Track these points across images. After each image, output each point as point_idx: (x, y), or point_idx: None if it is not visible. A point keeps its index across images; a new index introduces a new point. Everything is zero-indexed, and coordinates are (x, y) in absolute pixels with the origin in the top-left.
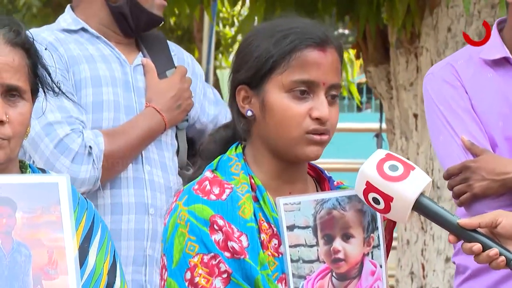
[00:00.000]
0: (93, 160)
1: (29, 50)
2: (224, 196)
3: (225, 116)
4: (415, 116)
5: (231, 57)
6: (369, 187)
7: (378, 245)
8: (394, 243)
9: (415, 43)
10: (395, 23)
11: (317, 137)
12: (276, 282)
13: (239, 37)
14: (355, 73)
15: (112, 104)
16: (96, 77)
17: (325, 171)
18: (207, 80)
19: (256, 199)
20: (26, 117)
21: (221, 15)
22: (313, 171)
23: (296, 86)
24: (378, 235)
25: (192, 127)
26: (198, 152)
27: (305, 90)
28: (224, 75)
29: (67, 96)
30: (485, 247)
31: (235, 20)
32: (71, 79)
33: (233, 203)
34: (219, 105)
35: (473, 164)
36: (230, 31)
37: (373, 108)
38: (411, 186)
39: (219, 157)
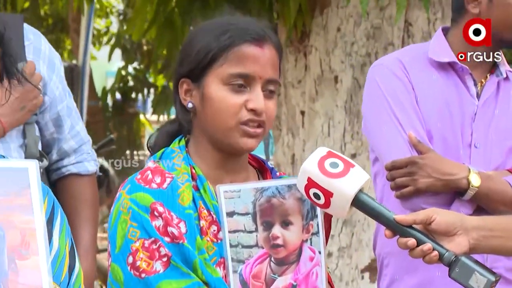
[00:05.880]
0: None
1: (3, 38)
2: (165, 185)
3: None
4: (302, 113)
5: (102, 49)
6: (310, 183)
7: (317, 232)
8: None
9: (304, 42)
10: (286, 22)
11: (251, 130)
12: (215, 266)
13: (112, 29)
14: None
15: None
16: None
17: (268, 162)
18: (83, 71)
19: (196, 188)
20: None
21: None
22: (255, 162)
23: (233, 79)
24: (318, 222)
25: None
26: (147, 146)
27: (242, 83)
28: (94, 66)
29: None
30: (419, 242)
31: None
32: None
33: (173, 191)
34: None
35: (420, 161)
36: (101, 23)
37: None
38: (350, 182)
39: (163, 149)
